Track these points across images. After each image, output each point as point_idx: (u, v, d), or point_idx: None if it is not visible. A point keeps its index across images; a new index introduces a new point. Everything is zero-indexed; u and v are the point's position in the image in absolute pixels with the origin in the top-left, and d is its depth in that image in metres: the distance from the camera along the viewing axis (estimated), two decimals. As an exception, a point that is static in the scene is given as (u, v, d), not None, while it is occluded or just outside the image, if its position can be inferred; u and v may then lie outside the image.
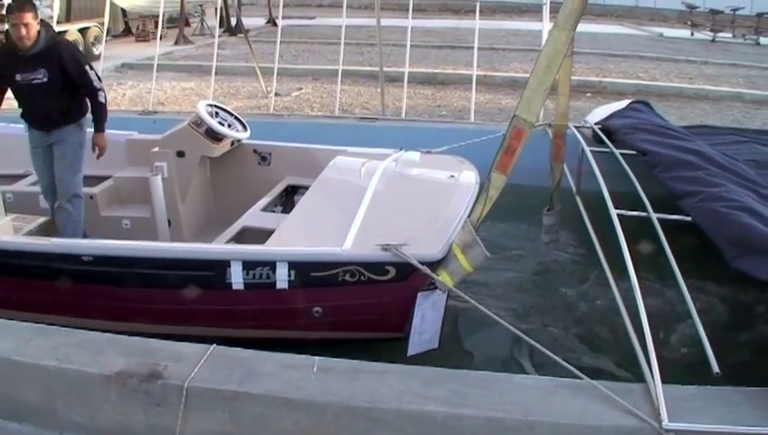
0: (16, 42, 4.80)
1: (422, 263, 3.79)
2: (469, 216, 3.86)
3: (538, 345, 3.43)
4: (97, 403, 3.11)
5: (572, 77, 11.32)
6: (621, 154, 5.56)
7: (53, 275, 4.39)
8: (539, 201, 5.75)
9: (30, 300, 4.35)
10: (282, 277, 4.06)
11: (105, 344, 3.30)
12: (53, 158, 5.16)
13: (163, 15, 10.84)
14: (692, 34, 19.02)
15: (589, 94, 11.30)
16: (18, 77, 4.89)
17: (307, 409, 2.87)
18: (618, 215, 4.23)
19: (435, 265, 3.83)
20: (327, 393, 2.89)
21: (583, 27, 17.42)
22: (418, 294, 3.92)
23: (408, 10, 9.22)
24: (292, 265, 4.04)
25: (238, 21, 17.29)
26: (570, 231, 5.91)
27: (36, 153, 5.20)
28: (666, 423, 2.71)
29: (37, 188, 5.66)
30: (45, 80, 4.94)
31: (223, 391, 2.93)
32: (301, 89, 11.85)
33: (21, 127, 5.62)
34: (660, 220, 4.24)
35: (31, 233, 4.97)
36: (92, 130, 5.27)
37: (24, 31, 4.73)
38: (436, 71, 13.05)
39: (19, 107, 5.11)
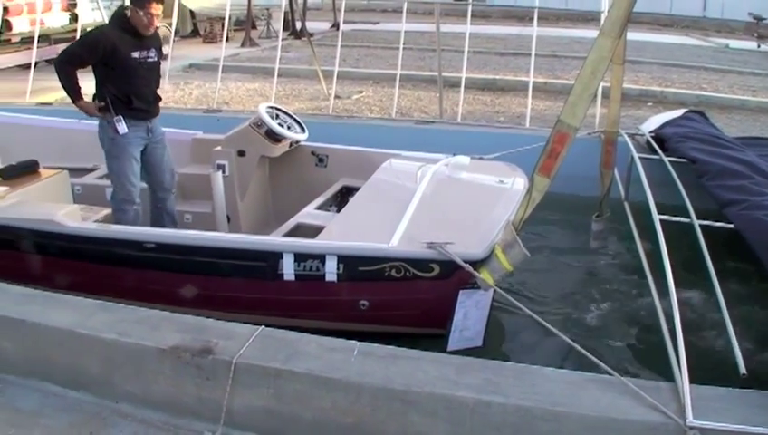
0: (142, 28, 5.06)
1: (465, 261, 3.93)
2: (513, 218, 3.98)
3: (572, 343, 3.52)
4: (151, 375, 3.33)
5: (634, 86, 11.35)
6: (671, 162, 5.59)
7: (117, 261, 4.69)
8: (589, 207, 5.82)
9: (94, 283, 4.62)
10: (331, 270, 4.25)
11: (161, 321, 3.53)
12: (154, 155, 5.39)
13: (230, 18, 11.17)
14: (758, 46, 18.63)
15: (650, 104, 11.23)
16: (136, 54, 5.09)
17: (346, 389, 3.03)
18: (661, 221, 4.30)
19: (477, 264, 3.96)
20: (365, 375, 3.04)
21: (648, 37, 17.37)
22: (460, 292, 4.03)
23: (476, 16, 9.31)
24: (341, 259, 4.23)
25: (303, 25, 17.66)
26: (617, 238, 5.95)
27: (134, 147, 5.25)
28: (690, 420, 2.77)
29: (104, 182, 5.96)
30: (156, 59, 5.28)
31: (268, 368, 3.11)
32: (361, 92, 12.06)
33: (92, 123, 5.92)
34: (703, 227, 4.30)
35: (97, 221, 5.21)
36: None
37: (155, 20, 5.07)
38: (496, 77, 13.09)
39: (119, 97, 5.13)
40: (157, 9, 5.06)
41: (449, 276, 4.09)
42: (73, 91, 5.10)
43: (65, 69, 5.05)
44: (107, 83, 5.06)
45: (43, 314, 3.61)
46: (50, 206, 5.05)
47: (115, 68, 5.03)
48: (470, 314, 4.15)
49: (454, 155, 5.60)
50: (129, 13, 5.12)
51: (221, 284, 4.53)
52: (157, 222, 5.46)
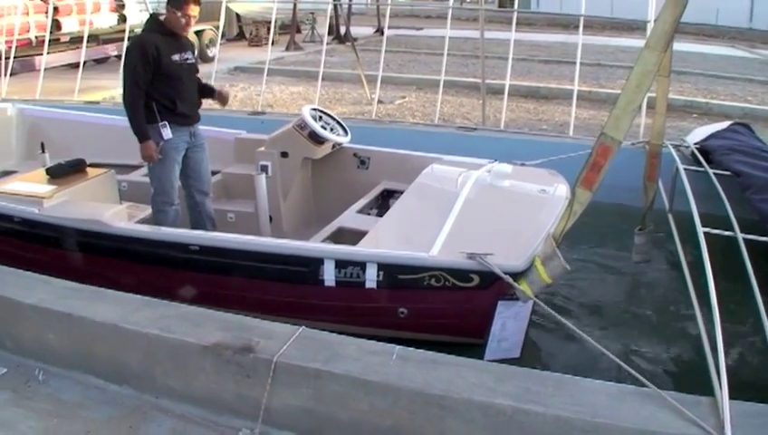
0: (179, 29, 5.14)
1: (505, 272, 3.92)
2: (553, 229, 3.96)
3: (611, 355, 3.49)
4: (192, 371, 3.38)
5: (679, 97, 11.20)
6: (716, 175, 5.52)
7: (162, 261, 4.78)
8: (632, 219, 5.76)
9: (137, 283, 4.68)
10: (371, 277, 4.28)
11: (204, 318, 3.58)
12: (194, 159, 5.45)
13: (275, 22, 11.27)
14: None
15: (695, 115, 11.09)
16: (176, 57, 5.15)
17: (384, 392, 3.04)
18: (705, 233, 4.24)
19: (517, 275, 3.94)
20: (403, 379, 3.05)
21: (693, 47, 17.11)
22: (499, 303, 4.04)
23: (518, 24, 9.30)
24: (381, 267, 4.25)
25: (347, 29, 17.73)
26: (660, 250, 5.88)
27: (177, 152, 5.31)
28: (729, 435, 2.75)
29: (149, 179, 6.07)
30: (193, 60, 5.34)
31: (308, 368, 3.13)
32: (404, 97, 12.10)
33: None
34: (747, 241, 4.23)
35: (142, 221, 5.33)
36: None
37: (192, 22, 5.14)
38: (540, 85, 13.04)
39: (163, 103, 5.18)
40: (194, 10, 5.12)
41: (489, 287, 4.09)
42: (139, 127, 5.08)
43: (134, 94, 5.04)
44: (151, 89, 5.09)
45: (88, 308, 3.69)
46: (97, 206, 5.14)
47: (159, 72, 5.07)
48: (508, 325, 4.14)
49: (495, 161, 5.59)
50: (163, 16, 5.21)
51: (262, 287, 4.58)
52: (196, 224, 5.52)
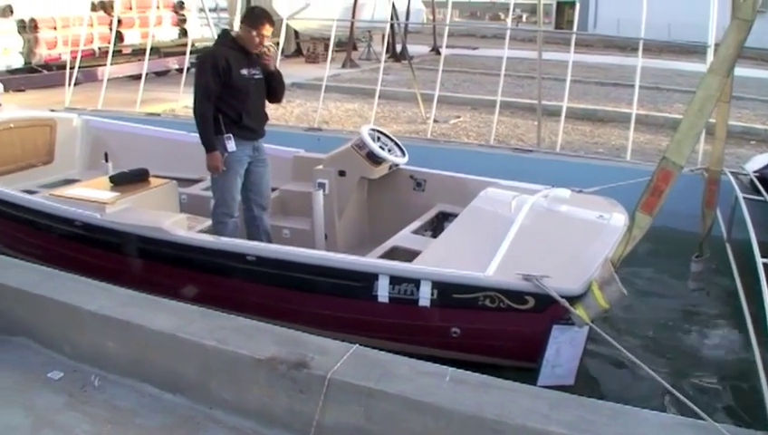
0: (252, 47, 5.24)
1: (561, 296, 3.88)
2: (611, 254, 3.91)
3: (667, 385, 3.43)
4: (246, 384, 3.41)
5: (737, 123, 10.99)
6: (776, 204, 5.41)
7: (219, 271, 4.85)
8: (688, 246, 5.66)
9: (193, 290, 4.79)
10: (425, 295, 4.27)
11: (259, 331, 3.61)
12: (255, 173, 5.53)
13: (333, 39, 11.40)
14: None
15: (753, 142, 10.86)
16: (245, 71, 5.25)
17: (436, 414, 3.02)
18: (764, 264, 4.15)
19: (573, 299, 3.90)
20: (456, 402, 3.03)
21: (752, 72, 16.72)
22: (554, 327, 4.00)
23: (576, 44, 9.25)
24: (436, 285, 4.24)
25: (403, 48, 17.84)
26: (717, 279, 5.77)
27: (241, 164, 5.40)
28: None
29: (208, 193, 6.15)
30: (262, 76, 5.41)
31: (360, 386, 3.13)
32: (459, 117, 12.09)
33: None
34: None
35: (201, 232, 5.39)
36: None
37: (265, 41, 5.25)
38: (596, 107, 12.91)
39: (229, 116, 5.27)
40: (268, 30, 5.24)
41: (544, 310, 4.05)
42: (208, 138, 5.19)
43: (204, 105, 5.15)
44: (219, 102, 5.19)
45: (146, 317, 3.75)
46: (158, 213, 5.26)
47: (227, 85, 5.17)
48: (563, 351, 4.09)
49: (553, 187, 5.56)
50: (235, 32, 5.31)
51: (315, 300, 4.62)
52: (252, 238, 5.58)
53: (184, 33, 19.53)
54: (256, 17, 5.26)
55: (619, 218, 4.99)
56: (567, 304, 3.85)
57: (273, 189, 6.12)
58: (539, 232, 4.81)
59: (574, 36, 9.66)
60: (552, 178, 5.83)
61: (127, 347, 3.77)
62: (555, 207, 5.14)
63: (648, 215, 3.60)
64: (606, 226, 4.86)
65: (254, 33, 5.20)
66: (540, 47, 9.49)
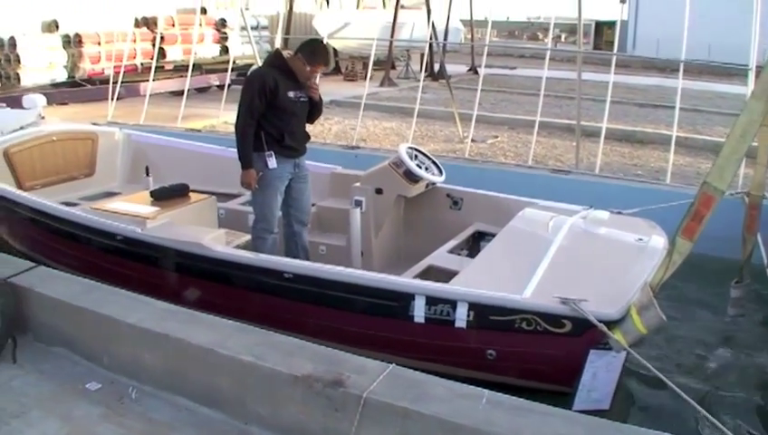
0: (302, 78, 5.34)
1: (599, 320, 3.84)
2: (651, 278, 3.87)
3: (706, 413, 3.41)
4: (282, 401, 3.41)
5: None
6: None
7: (256, 287, 4.89)
8: (728, 272, 5.57)
9: (229, 306, 4.80)
10: (461, 316, 4.25)
11: (296, 348, 3.61)
12: (296, 189, 5.57)
13: (372, 58, 11.47)
14: None
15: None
16: (291, 94, 5.32)
17: (472, 436, 3.01)
18: None
19: (611, 324, 3.86)
20: (493, 425, 3.00)
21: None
22: (591, 351, 3.95)
23: (610, 65, 9.22)
24: (472, 306, 4.22)
25: (441, 67, 17.89)
26: (757, 305, 5.68)
27: (281, 181, 5.48)
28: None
29: (246, 208, 6.21)
30: (307, 99, 5.48)
31: (396, 406, 3.11)
32: (496, 136, 12.08)
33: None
34: None
35: (239, 247, 5.41)
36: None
37: (315, 78, 5.41)
38: (635, 129, 12.82)
39: (272, 134, 5.35)
40: (322, 69, 5.38)
41: (581, 334, 4.00)
42: (245, 155, 5.27)
43: (246, 123, 5.23)
44: (263, 121, 5.26)
45: (184, 331, 3.77)
46: (197, 229, 5.31)
47: (273, 106, 5.24)
48: (599, 375, 4.04)
49: (590, 207, 5.51)
50: (288, 54, 5.39)
51: (351, 319, 4.62)
52: (290, 253, 5.62)
53: (225, 50, 19.82)
54: (314, 55, 5.35)
55: (658, 241, 4.93)
56: (605, 329, 3.82)
57: (311, 205, 6.13)
58: (577, 254, 4.77)
59: (615, 58, 9.61)
60: (591, 199, 5.77)
61: (164, 360, 3.80)
62: (594, 229, 5.09)
63: (688, 240, 3.57)
64: (645, 249, 4.80)
65: (309, 68, 5.30)
66: (579, 68, 9.46)
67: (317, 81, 5.51)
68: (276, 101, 5.23)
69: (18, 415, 3.54)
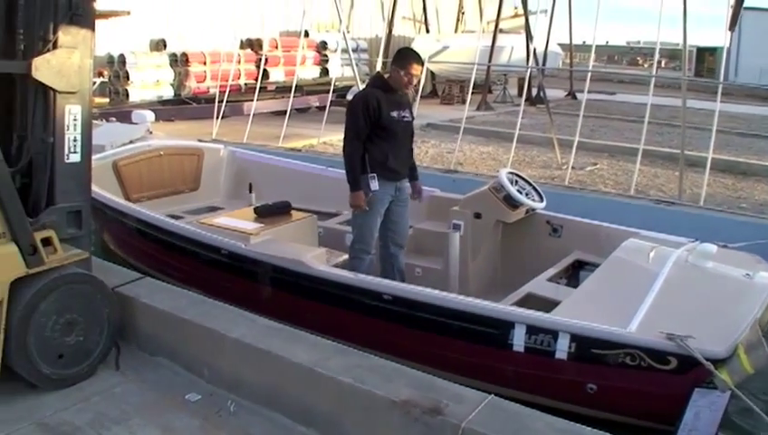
0: (402, 87, 5.41)
1: (706, 358, 3.72)
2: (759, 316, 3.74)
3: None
4: (379, 425, 3.40)
5: None
6: None
7: (354, 307, 4.93)
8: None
9: (326, 324, 4.83)
10: (562, 348, 4.18)
11: (394, 373, 3.59)
12: (395, 212, 5.59)
13: (469, 81, 11.49)
14: None
15: None
16: (394, 114, 5.36)
17: (572, 475, 2.95)
18: None
19: (717, 362, 3.74)
20: (593, 464, 2.95)
21: None
22: (695, 390, 3.83)
23: (715, 93, 8.96)
24: (575, 338, 4.15)
25: (539, 91, 17.74)
26: None
27: (382, 204, 5.48)
28: None
29: (345, 227, 6.29)
30: (410, 119, 5.54)
31: (494, 439, 3.08)
32: (596, 164, 11.87)
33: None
34: None
35: (337, 266, 5.45)
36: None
37: (414, 81, 5.40)
38: (739, 159, 12.36)
39: (375, 156, 5.36)
40: (417, 69, 5.35)
41: (686, 372, 3.88)
42: (354, 177, 5.33)
43: (353, 145, 5.31)
44: (367, 142, 5.32)
45: (285, 349, 3.82)
46: (299, 247, 5.42)
47: (377, 126, 5.29)
48: (702, 416, 3.90)
49: (696, 240, 5.36)
50: (388, 74, 5.44)
51: (448, 344, 4.59)
52: (386, 274, 5.62)
53: (325, 71, 20.22)
54: (404, 57, 5.40)
55: (766, 277, 4.75)
56: (711, 368, 3.70)
57: (409, 227, 6.14)
58: (683, 288, 4.64)
59: (721, 86, 9.35)
60: (694, 231, 5.61)
61: (264, 376, 3.85)
62: (700, 263, 4.94)
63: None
64: (753, 285, 4.64)
65: (402, 72, 5.33)
66: (684, 95, 9.24)
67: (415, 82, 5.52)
68: (380, 120, 5.27)
69: (119, 422, 3.65)
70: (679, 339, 3.82)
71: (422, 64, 5.37)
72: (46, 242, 3.89)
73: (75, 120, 4.10)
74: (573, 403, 4.23)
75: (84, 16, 4.04)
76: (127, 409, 3.78)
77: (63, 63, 3.97)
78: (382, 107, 5.27)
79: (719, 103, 8.75)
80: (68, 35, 3.99)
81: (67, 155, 4.10)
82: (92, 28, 4.12)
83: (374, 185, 5.34)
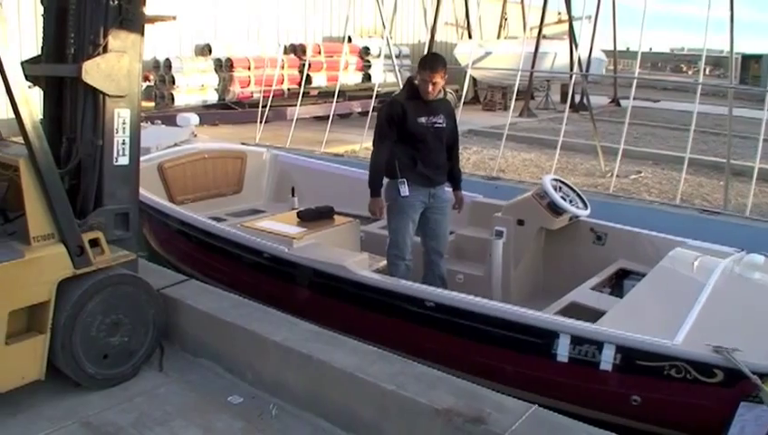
0: (422, 93, 5.34)
1: (753, 372, 3.66)
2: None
3: None
4: (421, 433, 3.38)
5: None
6: None
7: (395, 313, 4.91)
8: None
9: (368, 330, 4.83)
10: (606, 359, 4.12)
11: (437, 381, 3.57)
12: (431, 220, 5.53)
13: (511, 87, 11.45)
14: None
15: None
16: (422, 119, 5.30)
17: (616, 487, 2.91)
18: None
19: (765, 376, 3.67)
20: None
21: None
22: (741, 404, 3.76)
23: (760, 101, 8.81)
24: (620, 350, 4.08)
25: (582, 98, 17.60)
26: None
27: (414, 210, 5.43)
28: None
29: (385, 232, 6.28)
30: (444, 125, 5.46)
31: (538, 450, 3.06)
32: (639, 172, 11.73)
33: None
34: None
35: (377, 271, 5.49)
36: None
37: (430, 87, 5.28)
38: (787, 169, 12.15)
39: (404, 161, 5.35)
40: (433, 77, 5.26)
41: (732, 386, 3.81)
42: (373, 183, 5.36)
43: (378, 151, 5.35)
44: (396, 148, 5.32)
45: (327, 353, 3.83)
46: (342, 252, 5.42)
47: (403, 132, 5.29)
48: (747, 430, 3.83)
49: (743, 250, 5.27)
50: (416, 81, 5.44)
51: (491, 352, 4.55)
52: (428, 281, 5.59)
53: (367, 77, 20.30)
54: (422, 64, 5.36)
55: None
56: (759, 382, 3.63)
57: (450, 233, 6.12)
58: (730, 300, 4.56)
59: (769, 94, 9.18)
60: (740, 242, 5.51)
61: (306, 380, 3.86)
62: (748, 274, 4.88)
63: None
64: None
65: (421, 79, 5.31)
66: (730, 103, 9.11)
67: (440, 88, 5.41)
68: (406, 126, 5.26)
69: (162, 423, 3.69)
70: (726, 352, 3.76)
71: (439, 71, 5.25)
72: (94, 243, 3.95)
73: (124, 123, 4.17)
74: (617, 415, 4.17)
75: (134, 21, 4.11)
76: (169, 410, 3.82)
77: (113, 67, 4.04)
78: (408, 113, 5.25)
79: (767, 112, 8.60)
80: (118, 40, 4.05)
81: (116, 158, 4.17)
82: (141, 33, 4.19)
83: (404, 190, 5.32)
